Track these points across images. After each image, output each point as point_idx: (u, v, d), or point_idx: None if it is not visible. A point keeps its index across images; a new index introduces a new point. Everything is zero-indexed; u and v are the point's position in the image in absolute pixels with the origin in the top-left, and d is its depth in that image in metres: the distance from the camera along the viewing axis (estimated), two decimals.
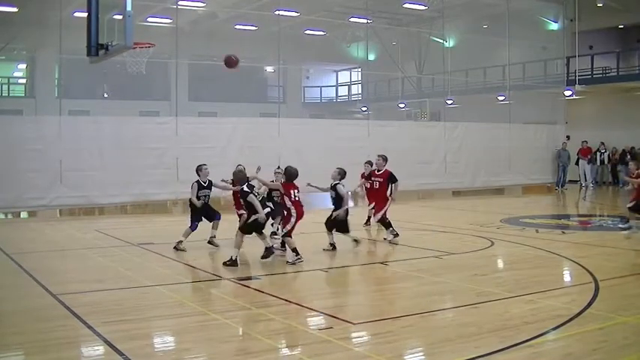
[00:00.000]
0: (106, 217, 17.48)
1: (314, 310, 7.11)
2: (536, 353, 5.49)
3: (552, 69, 27.99)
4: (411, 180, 21.87)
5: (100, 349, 5.71)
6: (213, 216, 11.24)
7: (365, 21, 27.63)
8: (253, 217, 9.65)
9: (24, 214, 17.96)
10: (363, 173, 13.50)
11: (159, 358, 5.64)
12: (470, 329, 6.13)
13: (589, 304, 7.03)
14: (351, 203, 16.23)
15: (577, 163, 27.17)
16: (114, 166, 17.30)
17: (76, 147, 17.01)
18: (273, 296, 7.58)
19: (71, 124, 18.03)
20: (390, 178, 11.81)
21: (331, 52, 37.60)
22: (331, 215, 10.86)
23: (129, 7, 7.88)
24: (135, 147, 17.66)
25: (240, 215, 10.77)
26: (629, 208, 12.67)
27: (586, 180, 27.18)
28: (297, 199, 10.03)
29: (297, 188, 10.09)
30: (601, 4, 26.33)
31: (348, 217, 10.92)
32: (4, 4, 24.78)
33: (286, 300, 7.44)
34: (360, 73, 36.80)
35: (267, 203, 10.96)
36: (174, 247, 10.89)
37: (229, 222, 11.17)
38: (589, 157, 27.27)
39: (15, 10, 25.87)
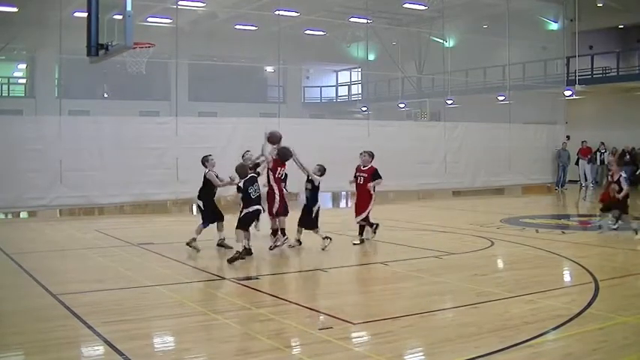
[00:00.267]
0: (106, 217, 17.47)
1: (314, 310, 7.11)
2: (536, 353, 5.49)
3: (552, 69, 28.00)
4: (411, 180, 21.94)
5: (100, 349, 5.71)
6: (221, 217, 11.20)
7: (365, 21, 27.63)
8: (244, 212, 9.97)
9: (24, 214, 17.96)
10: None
11: (159, 358, 5.64)
12: (470, 329, 6.13)
13: (589, 304, 7.03)
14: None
15: (577, 163, 27.17)
16: (114, 166, 17.30)
17: (76, 147, 17.01)
18: (273, 296, 7.59)
19: (71, 124, 18.02)
20: (374, 175, 11.71)
21: (331, 52, 37.61)
22: (311, 212, 11.08)
23: (129, 7, 7.89)
24: (135, 147, 17.65)
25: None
26: (601, 209, 12.68)
27: (586, 180, 27.18)
28: (280, 176, 10.79)
29: (284, 167, 10.91)
30: (601, 4, 26.33)
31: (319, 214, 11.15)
32: (4, 4, 24.79)
33: (286, 300, 7.44)
34: (360, 73, 36.81)
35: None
36: (187, 244, 10.83)
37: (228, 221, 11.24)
38: (589, 157, 27.27)
39: (15, 10, 25.88)
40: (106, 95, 34.39)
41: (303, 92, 40.83)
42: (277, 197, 10.74)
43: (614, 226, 12.63)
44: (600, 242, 11.74)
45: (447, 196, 23.53)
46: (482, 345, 5.62)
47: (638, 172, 26.24)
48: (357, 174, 11.69)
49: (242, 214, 10.06)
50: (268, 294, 7.72)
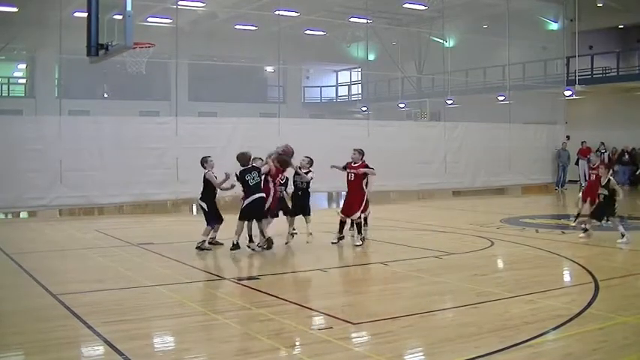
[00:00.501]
0: (106, 217, 17.47)
1: (314, 310, 7.11)
2: (536, 353, 5.49)
3: (552, 69, 28.00)
4: (411, 180, 21.94)
5: (100, 349, 5.71)
6: (220, 220, 11.25)
7: (365, 21, 27.63)
8: (245, 203, 10.56)
9: (24, 214, 17.96)
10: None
11: (159, 358, 5.64)
12: (470, 329, 6.13)
13: (589, 304, 7.03)
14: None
15: (577, 163, 27.14)
16: (114, 166, 17.30)
17: (76, 147, 17.01)
18: (273, 296, 7.58)
19: (71, 124, 18.03)
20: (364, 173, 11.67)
21: (331, 52, 37.60)
22: (308, 195, 11.63)
23: (129, 7, 7.89)
24: (135, 147, 17.66)
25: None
26: (591, 214, 12.12)
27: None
28: (280, 181, 11.38)
29: (284, 172, 11.43)
30: (601, 4, 26.33)
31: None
32: (4, 4, 24.79)
33: (286, 300, 7.44)
34: (360, 73, 36.81)
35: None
36: (198, 247, 10.90)
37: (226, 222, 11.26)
38: (589, 157, 27.22)
39: (15, 10, 25.88)
40: (106, 95, 34.38)
41: (303, 92, 40.83)
42: (271, 196, 11.00)
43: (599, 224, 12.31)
44: (600, 242, 11.72)
45: (447, 196, 23.53)
46: (482, 345, 5.62)
47: (638, 172, 26.26)
48: (348, 170, 11.68)
49: (243, 204, 10.58)
50: (268, 294, 7.72)
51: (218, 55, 32.27)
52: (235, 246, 10.61)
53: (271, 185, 11.08)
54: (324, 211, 19.09)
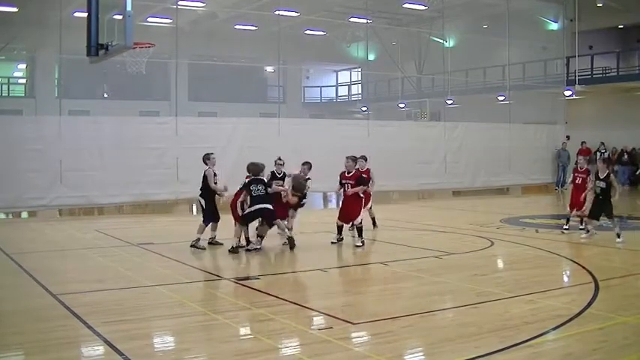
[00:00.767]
0: (106, 217, 17.47)
1: (314, 310, 7.11)
2: (536, 353, 5.49)
3: (552, 69, 28.00)
4: (411, 180, 21.95)
5: (100, 349, 5.71)
6: (218, 218, 11.24)
7: (365, 21, 27.62)
8: (247, 210, 10.63)
9: (24, 214, 17.96)
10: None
11: (159, 358, 5.64)
12: (470, 329, 6.13)
13: (589, 304, 7.03)
14: None
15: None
16: (114, 166, 17.29)
17: (76, 147, 17.01)
18: (273, 296, 7.58)
19: (71, 124, 18.03)
20: (359, 181, 11.45)
21: (331, 52, 37.60)
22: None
23: (129, 7, 7.88)
24: (135, 147, 17.66)
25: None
26: (589, 215, 11.98)
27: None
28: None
29: None
30: (601, 4, 26.33)
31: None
32: (4, 4, 24.79)
33: (286, 300, 7.44)
34: (360, 73, 36.80)
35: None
36: (192, 246, 10.95)
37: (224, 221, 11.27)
38: (588, 157, 27.21)
39: (15, 10, 25.88)
40: (106, 95, 34.37)
41: (303, 92, 40.83)
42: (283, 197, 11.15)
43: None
44: (600, 242, 11.73)
45: (447, 196, 23.53)
46: (482, 345, 5.62)
47: (638, 172, 26.26)
48: (343, 181, 11.51)
49: (245, 211, 10.67)
50: (268, 294, 7.72)
51: (218, 55, 32.27)
52: (234, 249, 10.58)
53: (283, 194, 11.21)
54: (325, 211, 19.12)
